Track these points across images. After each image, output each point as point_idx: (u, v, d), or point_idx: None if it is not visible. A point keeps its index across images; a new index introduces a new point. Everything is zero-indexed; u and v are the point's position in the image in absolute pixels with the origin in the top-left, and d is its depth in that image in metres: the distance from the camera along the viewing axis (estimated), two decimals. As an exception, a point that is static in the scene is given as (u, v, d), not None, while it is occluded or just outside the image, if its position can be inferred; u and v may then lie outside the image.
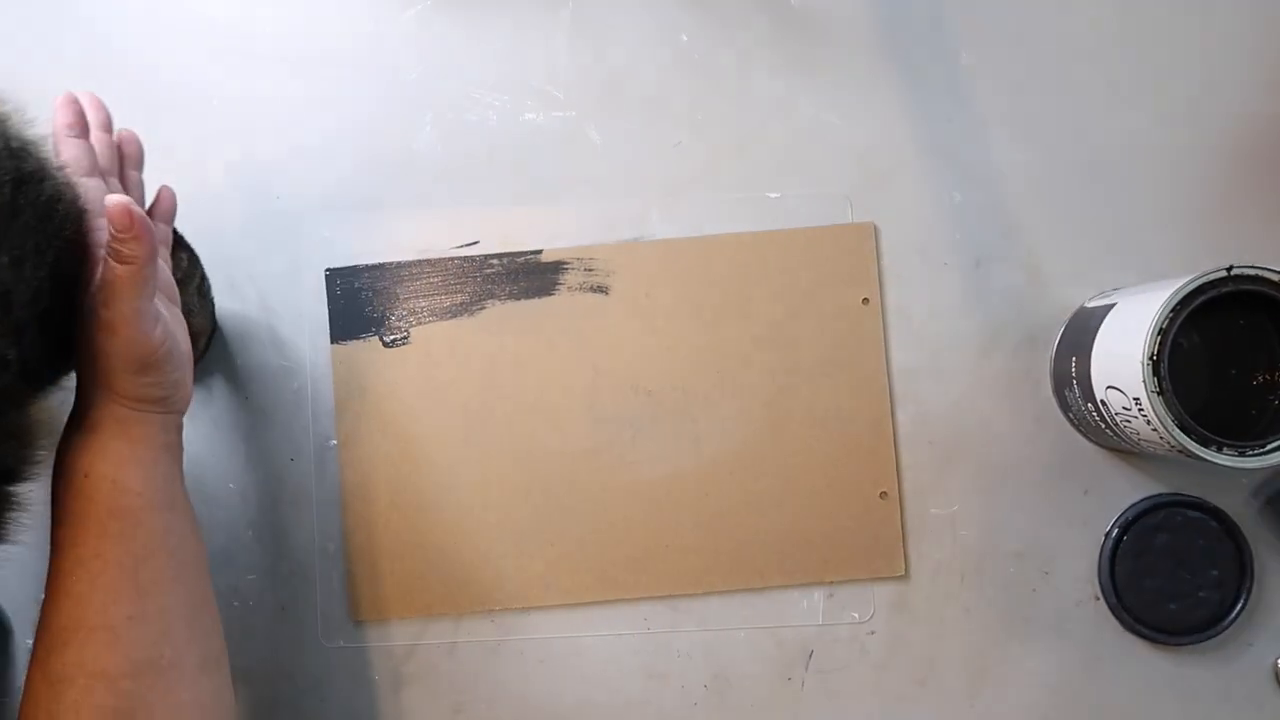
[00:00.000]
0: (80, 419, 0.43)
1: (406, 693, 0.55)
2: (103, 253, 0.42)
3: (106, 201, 0.40)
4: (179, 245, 0.52)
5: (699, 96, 0.57)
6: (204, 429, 0.56)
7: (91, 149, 0.47)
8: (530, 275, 0.56)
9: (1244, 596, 0.53)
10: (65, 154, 0.46)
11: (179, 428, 0.47)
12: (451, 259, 0.56)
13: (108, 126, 0.50)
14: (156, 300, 0.43)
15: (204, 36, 0.57)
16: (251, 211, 0.57)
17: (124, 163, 0.51)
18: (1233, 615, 0.53)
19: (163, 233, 0.50)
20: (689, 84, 0.57)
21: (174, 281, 0.48)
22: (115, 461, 0.42)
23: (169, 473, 0.45)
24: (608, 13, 0.57)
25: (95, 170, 0.46)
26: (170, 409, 0.45)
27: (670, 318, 0.56)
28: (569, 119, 0.57)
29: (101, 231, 0.43)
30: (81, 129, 0.47)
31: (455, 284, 0.56)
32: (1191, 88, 0.56)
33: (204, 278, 0.54)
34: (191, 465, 0.56)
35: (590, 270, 0.56)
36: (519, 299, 0.56)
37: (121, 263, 0.40)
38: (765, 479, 0.55)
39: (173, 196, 0.52)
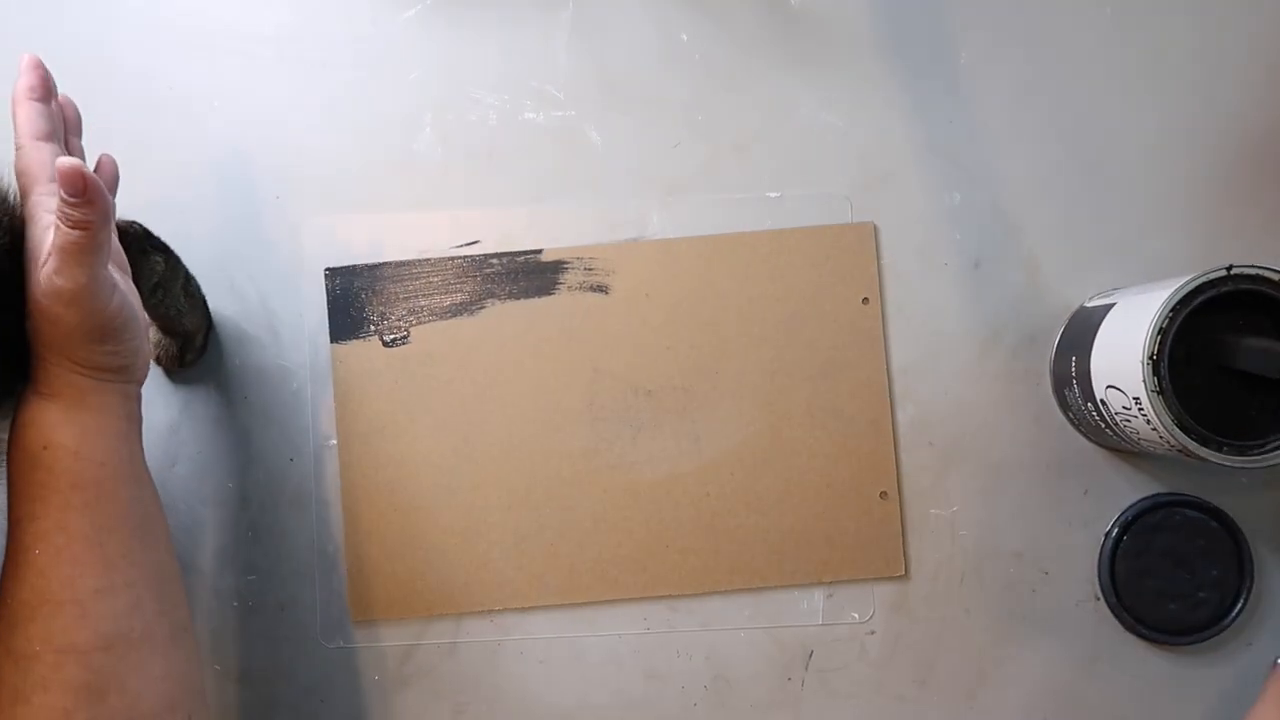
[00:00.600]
0: (37, 390, 0.42)
1: (406, 693, 0.55)
2: (52, 219, 0.40)
3: (58, 164, 0.38)
4: (154, 248, 0.51)
5: (699, 96, 0.57)
6: (204, 429, 0.56)
7: (50, 113, 0.45)
8: (530, 275, 0.56)
9: (1244, 596, 0.53)
10: (22, 115, 0.44)
11: (139, 398, 0.46)
12: (451, 258, 0.56)
13: (54, 93, 0.48)
14: (110, 267, 0.42)
15: (204, 37, 0.57)
16: (251, 211, 0.57)
17: (65, 129, 0.49)
18: (1233, 615, 0.53)
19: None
20: (689, 84, 0.57)
21: (123, 250, 0.47)
22: (77, 432, 0.41)
23: (132, 443, 0.44)
24: (607, 13, 0.57)
25: (51, 135, 0.45)
26: (130, 378, 0.44)
27: (670, 317, 0.56)
28: (569, 119, 0.57)
29: (50, 198, 0.42)
30: (43, 94, 0.45)
31: (455, 283, 0.56)
32: (1191, 88, 0.56)
33: (189, 277, 0.53)
34: (191, 465, 0.56)
35: (590, 270, 0.56)
36: (519, 298, 0.56)
37: (75, 228, 0.39)
38: (765, 479, 0.55)
39: (114, 164, 0.50)
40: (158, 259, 0.51)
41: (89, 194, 0.39)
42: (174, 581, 0.45)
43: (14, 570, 0.40)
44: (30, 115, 0.44)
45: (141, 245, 0.50)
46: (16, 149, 0.44)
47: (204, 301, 0.55)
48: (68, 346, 0.41)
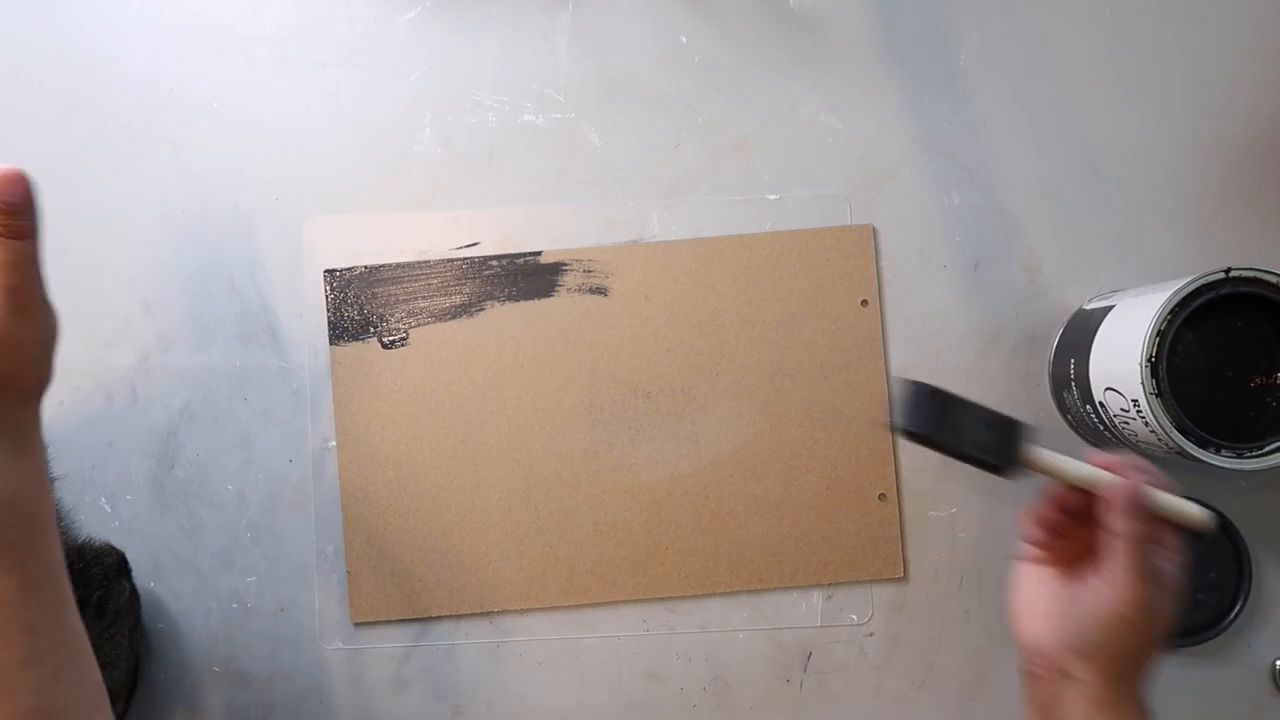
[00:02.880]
0: None
1: (406, 695, 0.55)
2: None
3: None
4: (127, 575, 0.51)
5: (698, 98, 0.57)
6: (203, 430, 0.56)
7: None
8: (530, 277, 0.56)
9: (1242, 598, 0.53)
10: None
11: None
12: (451, 260, 0.56)
13: None
14: None
15: (205, 38, 0.57)
16: (252, 213, 0.57)
17: None
18: (1231, 617, 0.53)
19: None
20: (688, 86, 0.57)
21: (99, 574, 0.47)
22: (15, 481, 0.37)
23: (48, 483, 0.39)
24: (607, 15, 0.57)
25: None
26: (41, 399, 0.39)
27: (669, 319, 0.56)
28: (568, 120, 0.57)
29: None
30: None
31: (454, 285, 0.56)
32: (1191, 88, 0.56)
33: (139, 623, 0.52)
34: (190, 466, 0.56)
35: (589, 272, 0.56)
36: (518, 300, 0.56)
37: (21, 237, 0.35)
38: (764, 481, 0.55)
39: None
40: (126, 584, 0.51)
41: (30, 196, 0.35)
42: (84, 642, 0.40)
43: None
44: None
45: (119, 570, 0.51)
46: None
47: (137, 664, 0.53)
48: (23, 372, 0.37)
